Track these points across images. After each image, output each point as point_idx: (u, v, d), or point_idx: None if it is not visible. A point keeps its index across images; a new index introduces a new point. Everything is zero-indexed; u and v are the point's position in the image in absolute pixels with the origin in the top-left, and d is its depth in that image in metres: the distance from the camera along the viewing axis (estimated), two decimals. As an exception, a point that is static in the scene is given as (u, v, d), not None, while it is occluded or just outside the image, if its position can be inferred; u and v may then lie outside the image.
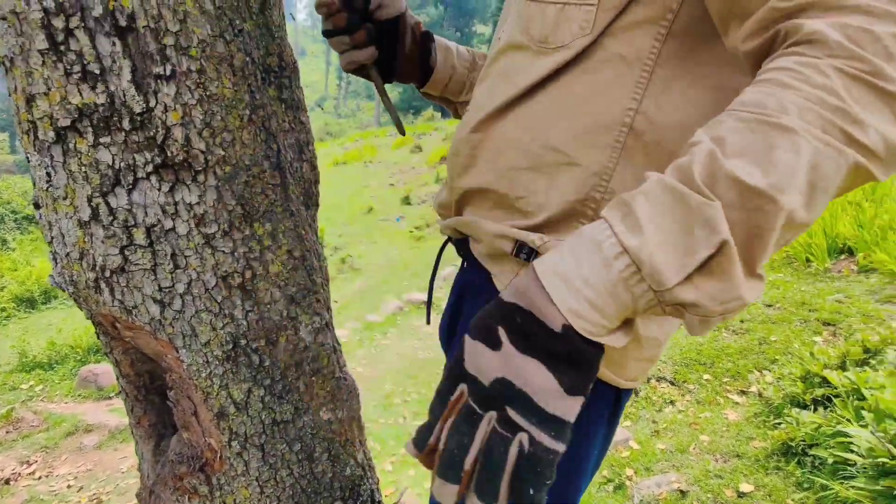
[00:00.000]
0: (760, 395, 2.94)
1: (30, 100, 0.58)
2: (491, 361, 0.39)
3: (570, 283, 0.38)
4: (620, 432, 2.93)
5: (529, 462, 0.38)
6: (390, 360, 5.09)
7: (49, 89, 0.58)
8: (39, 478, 3.76)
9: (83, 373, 5.20)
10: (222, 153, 0.62)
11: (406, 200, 11.77)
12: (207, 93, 0.60)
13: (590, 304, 0.38)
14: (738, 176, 0.35)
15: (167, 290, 0.63)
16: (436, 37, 0.80)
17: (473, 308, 0.65)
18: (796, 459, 2.23)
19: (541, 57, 0.56)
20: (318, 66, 66.39)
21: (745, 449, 2.51)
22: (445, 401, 0.41)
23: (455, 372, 0.41)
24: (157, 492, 0.74)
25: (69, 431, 4.26)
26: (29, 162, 0.64)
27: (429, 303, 0.82)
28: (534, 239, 0.55)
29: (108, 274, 0.62)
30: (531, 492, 0.38)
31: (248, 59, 0.64)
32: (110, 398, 5.03)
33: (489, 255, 0.61)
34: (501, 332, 0.40)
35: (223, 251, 0.64)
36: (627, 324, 0.42)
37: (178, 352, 0.65)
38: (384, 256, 9.06)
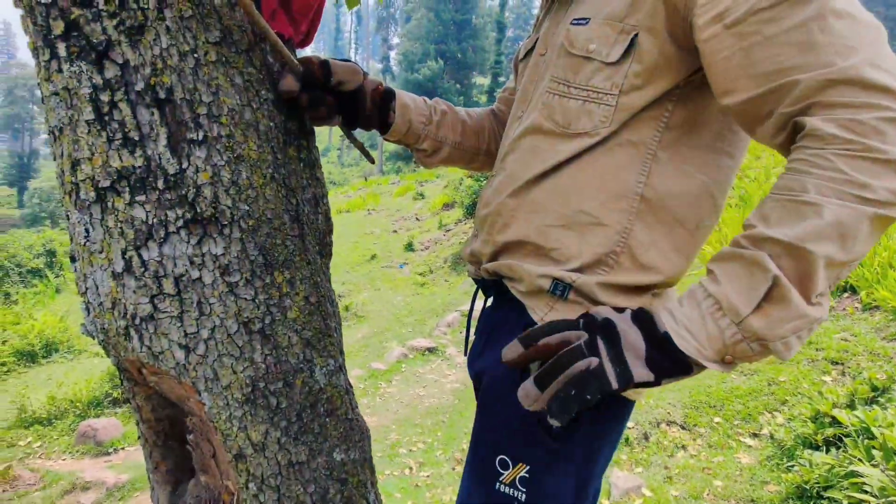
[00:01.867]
0: (772, 436, 2.90)
1: (75, 164, 0.64)
2: (610, 314, 0.59)
3: (674, 314, 0.57)
4: (632, 479, 2.87)
5: (585, 378, 0.55)
6: (395, 408, 5.02)
7: (92, 154, 0.64)
8: (35, 539, 3.65)
9: (82, 428, 5.12)
10: (247, 208, 0.68)
11: (409, 247, 11.87)
12: (235, 154, 0.66)
13: (686, 329, 0.55)
14: (777, 237, 0.51)
15: (192, 335, 0.67)
16: (398, 94, 0.92)
17: (508, 337, 0.71)
18: (812, 503, 2.19)
19: (565, 140, 0.70)
20: (320, 119, 67.95)
21: (760, 494, 2.46)
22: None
23: (586, 313, 0.61)
24: (174, 537, 0.75)
25: (66, 490, 4.15)
26: (68, 219, 0.70)
27: (467, 336, 0.92)
28: (569, 276, 0.67)
29: (138, 321, 0.66)
30: (570, 401, 0.55)
31: (271, 123, 0.70)
32: (108, 454, 4.94)
33: (527, 292, 0.71)
34: (627, 311, 0.60)
35: (245, 298, 0.68)
36: (728, 362, 0.55)
37: (200, 395, 0.68)
38: (388, 303, 9.06)
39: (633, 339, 0.57)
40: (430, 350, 6.21)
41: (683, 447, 3.17)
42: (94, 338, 0.71)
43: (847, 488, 1.91)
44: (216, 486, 0.72)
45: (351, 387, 0.82)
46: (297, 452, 0.73)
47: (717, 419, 3.32)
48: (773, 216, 0.52)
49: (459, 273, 9.65)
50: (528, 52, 0.84)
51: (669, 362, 0.55)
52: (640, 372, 0.55)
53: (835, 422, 2.41)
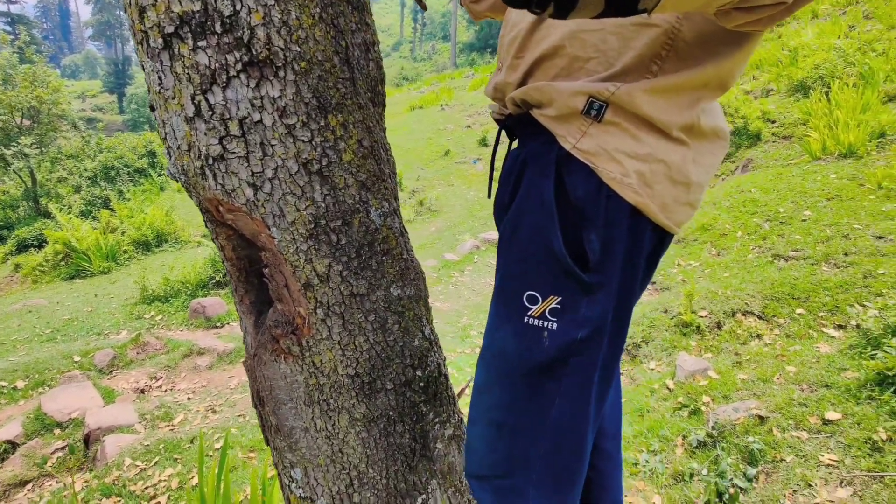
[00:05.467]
0: (859, 327, 2.76)
1: (142, 11, 0.68)
2: None
3: None
4: (698, 363, 2.89)
5: None
6: (467, 295, 5.26)
7: (156, 1, 0.67)
8: (165, 390, 4.36)
9: (193, 305, 5.84)
10: (298, 49, 0.70)
11: (483, 142, 11.64)
12: (282, -8, 0.67)
13: None
14: None
15: (258, 174, 0.73)
16: None
17: (535, 173, 0.70)
18: (893, 388, 2.12)
19: None
20: (392, 9, 65.40)
21: (836, 379, 2.40)
22: None
23: None
24: (259, 355, 0.88)
25: (186, 354, 4.85)
26: (144, 70, 0.75)
27: (490, 177, 0.90)
28: (606, 88, 0.62)
29: (210, 162, 0.73)
30: None
31: (315, -41, 0.69)
32: (217, 327, 5.63)
33: (557, 118, 0.67)
34: None
35: (303, 140, 0.73)
36: None
37: (269, 230, 0.75)
38: (461, 198, 9.13)
39: None
40: (502, 242, 6.30)
41: (758, 336, 3.11)
42: (177, 180, 0.79)
43: (933, 373, 1.82)
44: (290, 312, 0.81)
45: (406, 231, 0.87)
46: (358, 285, 0.80)
47: (799, 310, 3.19)
48: None
49: (534, 167, 9.43)
50: None
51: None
52: None
53: (933, 312, 2.24)
